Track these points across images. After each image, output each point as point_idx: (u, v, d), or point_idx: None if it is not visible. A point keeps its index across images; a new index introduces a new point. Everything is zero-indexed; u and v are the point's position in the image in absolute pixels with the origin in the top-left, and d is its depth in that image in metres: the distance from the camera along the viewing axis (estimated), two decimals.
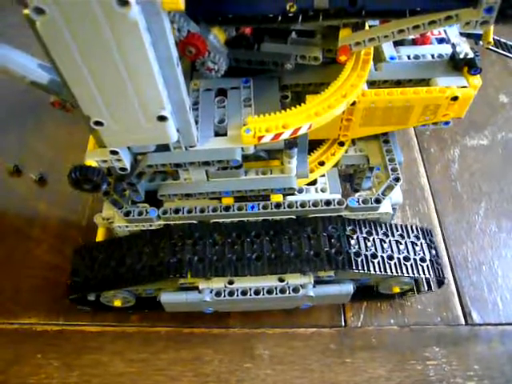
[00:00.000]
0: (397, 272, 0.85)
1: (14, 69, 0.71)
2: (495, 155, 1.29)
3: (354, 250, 0.84)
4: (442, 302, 1.04)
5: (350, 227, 0.87)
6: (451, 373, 0.95)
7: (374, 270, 0.84)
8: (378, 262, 0.85)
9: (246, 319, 1.03)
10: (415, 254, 0.88)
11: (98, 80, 0.59)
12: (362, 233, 0.87)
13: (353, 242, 0.85)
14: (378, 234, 0.88)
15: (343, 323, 1.03)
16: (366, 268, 0.83)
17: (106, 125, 0.67)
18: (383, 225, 0.90)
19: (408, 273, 0.86)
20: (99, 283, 0.89)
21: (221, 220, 0.89)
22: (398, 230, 0.90)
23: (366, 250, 0.85)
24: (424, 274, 0.87)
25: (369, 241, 0.87)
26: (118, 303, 0.95)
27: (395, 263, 0.86)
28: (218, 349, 1.00)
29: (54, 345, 1.03)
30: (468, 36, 0.91)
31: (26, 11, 0.51)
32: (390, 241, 0.88)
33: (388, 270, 0.85)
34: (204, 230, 0.88)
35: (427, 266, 0.87)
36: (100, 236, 0.98)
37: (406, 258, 0.87)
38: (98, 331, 1.04)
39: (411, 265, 0.87)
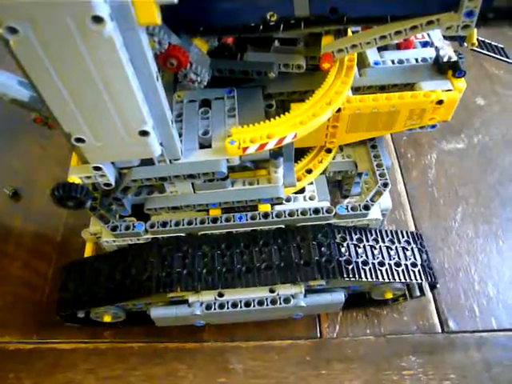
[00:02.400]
0: (388, 278, 0.84)
1: None
2: (472, 159, 1.28)
3: (344, 258, 0.84)
4: (419, 310, 1.03)
5: (339, 235, 0.86)
6: (427, 382, 0.94)
7: (366, 277, 0.83)
8: (370, 269, 0.84)
9: (220, 333, 1.02)
10: (406, 260, 0.88)
11: (76, 97, 0.58)
12: (352, 240, 0.86)
13: (343, 249, 0.85)
14: (368, 240, 0.88)
15: (319, 334, 1.02)
16: (357, 275, 0.82)
17: (87, 141, 0.66)
18: (373, 231, 0.90)
19: (400, 278, 0.85)
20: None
21: (219, 231, 0.88)
22: (388, 236, 0.90)
23: (357, 257, 0.85)
24: (416, 279, 0.86)
25: (359, 248, 0.86)
26: (108, 319, 0.93)
27: (386, 269, 0.85)
28: (192, 364, 0.99)
29: (27, 363, 1.02)
30: (452, 38, 0.91)
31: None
32: (380, 247, 0.88)
33: (380, 277, 0.84)
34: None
35: (418, 270, 0.87)
36: (88, 251, 0.97)
37: (397, 264, 0.87)
38: (71, 348, 1.03)
39: (402, 270, 0.86)
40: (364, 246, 0.87)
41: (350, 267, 0.83)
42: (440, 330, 1.00)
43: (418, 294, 0.97)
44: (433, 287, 0.94)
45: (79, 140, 0.65)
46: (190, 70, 0.74)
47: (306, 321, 1.02)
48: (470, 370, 0.94)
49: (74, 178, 0.74)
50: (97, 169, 0.72)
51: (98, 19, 0.48)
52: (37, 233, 1.22)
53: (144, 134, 0.65)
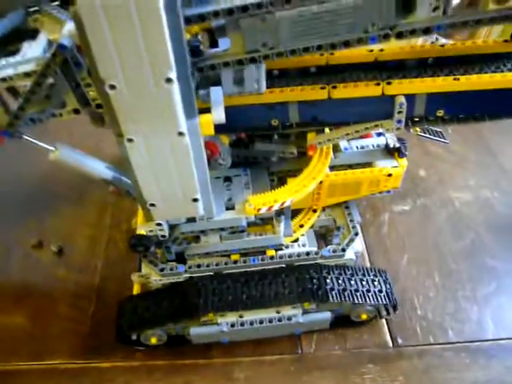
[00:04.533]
0: (361, 301, 1.14)
1: (89, 171, 1.02)
2: (416, 217, 1.59)
3: (329, 287, 1.15)
4: (375, 331, 1.30)
5: (325, 270, 1.17)
6: (382, 383, 1.20)
7: (345, 300, 1.13)
8: (347, 294, 1.14)
9: (225, 351, 1.27)
10: (374, 287, 1.19)
11: (157, 179, 0.90)
12: (334, 274, 1.17)
13: (328, 280, 1.15)
14: (346, 274, 1.19)
15: (300, 350, 1.27)
16: (339, 298, 1.12)
17: (157, 205, 0.97)
18: (350, 268, 1.20)
19: (370, 301, 1.15)
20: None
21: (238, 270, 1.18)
22: (360, 271, 1.21)
23: (339, 286, 1.16)
24: (382, 301, 1.17)
25: (340, 279, 1.17)
26: (154, 341, 1.21)
27: (360, 294, 1.15)
28: (204, 375, 1.23)
29: (75, 379, 1.25)
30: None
31: (121, 139, 0.83)
32: (355, 279, 1.19)
33: (355, 300, 1.14)
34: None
35: (383, 295, 1.18)
36: (136, 290, 1.25)
37: (368, 290, 1.17)
38: (110, 366, 1.27)
39: (371, 295, 1.17)
40: (343, 278, 1.18)
41: (334, 292, 1.14)
42: (391, 345, 1.27)
43: (385, 313, 1.26)
44: (395, 309, 1.24)
45: (152, 205, 0.97)
46: (218, 157, 1.09)
47: (289, 341, 1.28)
48: (413, 374, 1.21)
49: (142, 231, 1.06)
50: (158, 224, 1.03)
51: (181, 134, 0.83)
52: (78, 280, 1.48)
53: (195, 200, 0.95)
